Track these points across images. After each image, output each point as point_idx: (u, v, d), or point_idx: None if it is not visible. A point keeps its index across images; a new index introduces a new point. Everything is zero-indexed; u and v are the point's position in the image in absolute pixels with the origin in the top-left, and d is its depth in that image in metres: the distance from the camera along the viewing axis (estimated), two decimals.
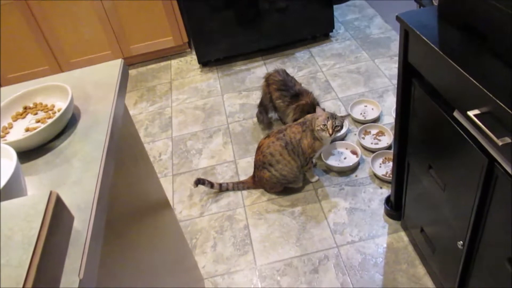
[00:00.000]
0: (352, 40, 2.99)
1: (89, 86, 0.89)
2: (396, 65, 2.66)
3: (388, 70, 2.64)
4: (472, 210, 1.08)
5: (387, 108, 2.33)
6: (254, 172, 1.96)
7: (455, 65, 0.97)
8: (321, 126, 1.79)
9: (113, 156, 0.72)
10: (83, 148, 0.72)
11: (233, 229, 1.85)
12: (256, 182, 1.97)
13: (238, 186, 2.00)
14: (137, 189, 0.99)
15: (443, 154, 1.19)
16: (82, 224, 0.56)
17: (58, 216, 0.38)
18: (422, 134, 1.31)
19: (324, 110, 1.89)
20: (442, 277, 1.41)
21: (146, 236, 0.97)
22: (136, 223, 0.91)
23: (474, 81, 0.91)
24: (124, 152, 0.92)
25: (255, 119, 2.44)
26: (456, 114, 1.09)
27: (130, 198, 0.90)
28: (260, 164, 1.90)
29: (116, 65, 0.94)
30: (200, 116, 2.55)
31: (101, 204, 0.61)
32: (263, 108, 2.30)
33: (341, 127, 1.85)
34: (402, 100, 1.39)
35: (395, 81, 2.53)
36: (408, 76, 1.31)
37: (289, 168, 1.86)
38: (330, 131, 1.78)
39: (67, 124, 0.79)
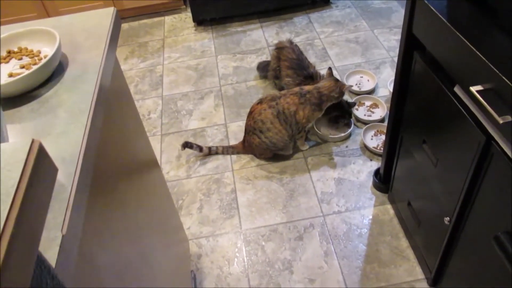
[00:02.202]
0: (352, 8, 2.92)
1: (78, 33, 0.84)
2: (396, 37, 2.61)
3: (387, 41, 2.59)
4: (463, 187, 1.07)
5: (383, 80, 2.30)
6: (245, 137, 1.94)
7: (462, 38, 0.94)
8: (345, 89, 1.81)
9: (102, 108, 0.69)
10: (70, 98, 0.68)
11: (220, 192, 1.84)
12: (246, 147, 1.95)
13: (228, 150, 1.98)
14: (126, 146, 0.95)
15: (439, 129, 1.17)
16: (67, 177, 0.54)
17: (40, 166, 0.35)
18: (419, 108, 1.29)
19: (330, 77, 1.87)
20: (425, 251, 1.43)
21: (132, 194, 0.94)
22: (123, 180, 0.88)
23: (481, 56, 0.88)
24: (113, 106, 0.88)
25: (249, 83, 2.39)
26: (456, 89, 1.06)
27: (118, 155, 0.87)
28: (250, 130, 1.87)
29: (108, 13, 0.89)
30: (192, 76, 2.49)
31: (88, 158, 0.58)
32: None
33: (349, 123, 1.94)
34: (401, 73, 1.36)
35: (393, 53, 2.48)
36: (410, 48, 1.27)
37: (279, 137, 1.83)
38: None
39: (54, 72, 0.74)
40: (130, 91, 2.30)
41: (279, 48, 2.17)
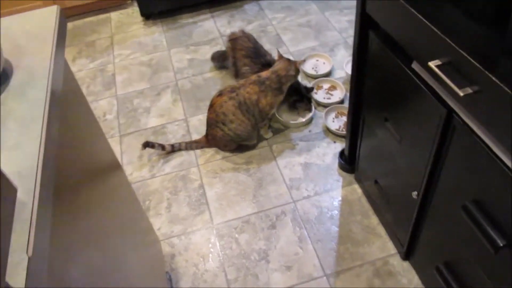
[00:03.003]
0: None
1: (19, 36, 0.77)
2: (346, 18, 2.64)
3: (338, 23, 2.61)
4: (428, 161, 1.10)
5: (338, 62, 2.32)
6: (207, 130, 1.90)
7: (417, 14, 0.95)
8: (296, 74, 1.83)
9: (57, 115, 0.64)
10: (19, 107, 0.62)
11: (187, 189, 1.80)
12: (209, 140, 1.91)
13: (191, 145, 1.94)
14: (85, 151, 0.90)
15: (399, 106, 1.19)
16: (27, 194, 0.49)
17: None
18: (379, 87, 1.31)
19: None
20: (396, 227, 1.46)
21: (97, 201, 0.90)
22: (86, 188, 0.83)
23: (437, 31, 0.89)
24: (68, 110, 0.82)
25: (205, 75, 2.35)
26: (414, 65, 1.08)
27: (78, 161, 0.82)
28: (213, 123, 1.84)
29: (51, 12, 0.82)
30: (146, 73, 2.41)
31: (47, 169, 0.54)
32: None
33: (310, 107, 1.98)
34: (358, 53, 1.37)
35: (345, 35, 2.51)
36: (365, 28, 1.28)
37: (243, 128, 1.81)
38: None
39: None
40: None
41: (233, 39, 2.14)
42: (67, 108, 0.83)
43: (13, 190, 0.33)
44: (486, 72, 0.77)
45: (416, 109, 1.10)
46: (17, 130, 0.58)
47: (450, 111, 0.97)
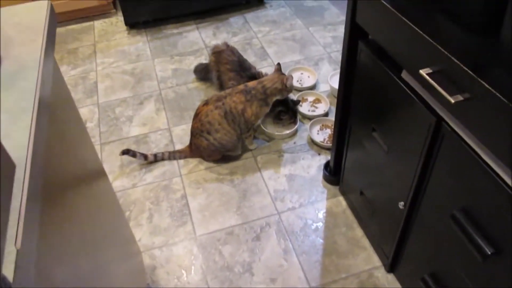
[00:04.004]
0: (286, 8, 2.96)
1: (8, 28, 0.75)
2: (330, 34, 2.68)
3: (323, 38, 2.65)
4: (416, 170, 1.10)
5: (323, 76, 2.35)
6: (191, 140, 1.88)
7: (408, 22, 0.97)
8: (291, 86, 1.84)
9: (46, 107, 0.61)
10: (8, 97, 0.60)
11: (169, 199, 1.77)
12: (193, 150, 1.89)
13: (174, 155, 1.91)
14: (72, 153, 0.87)
15: (388, 116, 1.20)
16: (16, 184, 0.46)
17: None
18: (367, 97, 1.32)
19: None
20: (381, 238, 1.46)
21: (83, 206, 0.86)
22: (72, 191, 0.80)
23: (428, 38, 0.91)
24: (56, 109, 0.80)
25: (190, 85, 2.33)
26: (404, 75, 1.10)
27: (65, 163, 0.79)
28: (197, 132, 1.82)
29: (41, 6, 0.80)
30: (129, 81, 2.39)
31: (37, 160, 0.51)
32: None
33: (296, 119, 1.99)
34: (346, 63, 1.38)
35: (329, 50, 2.55)
36: (354, 38, 1.30)
37: (228, 137, 1.80)
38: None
39: None
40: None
41: (217, 53, 2.14)
42: (55, 107, 0.80)
43: (11, 165, 0.31)
44: (478, 79, 0.79)
45: (405, 119, 1.11)
46: (6, 120, 0.56)
47: (440, 119, 0.98)
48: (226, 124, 1.78)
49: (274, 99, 1.83)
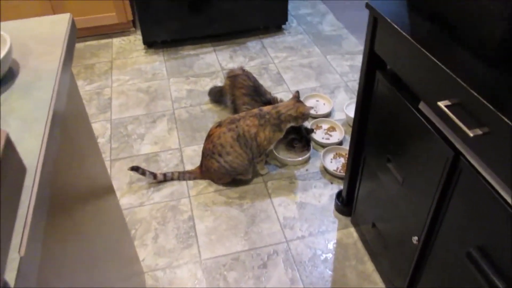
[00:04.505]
0: (304, 35, 3.01)
1: (28, 39, 0.77)
2: (348, 63, 2.71)
3: (340, 67, 2.68)
4: (432, 204, 1.09)
5: (338, 104, 2.35)
6: (202, 161, 1.89)
7: (427, 53, 0.97)
8: (308, 115, 1.86)
9: (60, 118, 0.63)
10: (23, 106, 0.61)
11: (176, 220, 1.76)
12: (203, 172, 1.89)
13: (184, 176, 1.92)
14: (82, 166, 0.88)
15: (404, 148, 1.20)
16: (24, 191, 0.47)
17: (8, 162, 0.30)
18: (383, 127, 1.32)
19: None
20: (393, 274, 1.43)
21: (89, 221, 0.87)
22: (80, 205, 0.81)
23: (447, 70, 0.91)
24: (69, 121, 0.81)
25: (203, 107, 2.36)
26: (421, 106, 1.10)
27: (74, 175, 0.80)
28: (208, 154, 1.83)
29: (63, 19, 0.83)
30: (143, 100, 2.42)
31: (47, 169, 0.52)
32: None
33: (309, 147, 1.99)
34: (363, 92, 1.39)
35: (346, 78, 2.57)
36: (372, 68, 1.30)
37: (239, 161, 1.80)
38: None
39: (2, 78, 0.67)
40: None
41: (232, 77, 2.17)
42: (69, 120, 0.82)
43: (22, 168, 0.32)
44: (498, 113, 0.78)
45: (422, 151, 1.10)
46: (19, 128, 0.57)
47: (457, 153, 0.97)
48: (238, 147, 1.78)
49: (288, 125, 1.84)
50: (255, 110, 1.84)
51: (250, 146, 1.80)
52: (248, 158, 1.81)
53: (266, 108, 1.84)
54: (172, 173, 1.92)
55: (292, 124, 1.83)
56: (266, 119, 1.79)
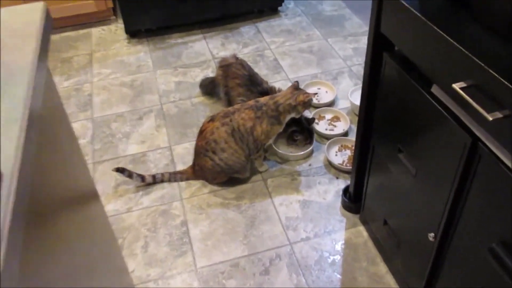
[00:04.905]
0: (303, 17, 3.00)
1: None
2: (351, 46, 2.71)
3: (342, 50, 2.67)
4: (449, 197, 1.09)
5: (342, 91, 2.35)
6: (194, 160, 1.89)
7: (439, 31, 0.97)
8: (309, 104, 1.85)
9: (37, 118, 0.62)
10: None
11: (168, 226, 1.76)
12: (196, 171, 1.89)
13: (175, 177, 1.91)
14: (63, 170, 0.88)
15: (416, 136, 1.20)
16: None
17: None
18: (392, 114, 1.32)
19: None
20: (408, 275, 1.43)
21: (71, 229, 0.86)
22: (60, 211, 0.80)
23: (461, 48, 0.91)
24: (47, 122, 0.81)
25: (194, 100, 2.35)
26: (434, 89, 1.09)
27: (55, 180, 0.80)
28: (201, 151, 1.82)
29: (36, 9, 0.82)
30: (128, 95, 2.42)
31: (24, 174, 0.51)
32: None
33: (311, 139, 1.99)
34: (369, 77, 1.39)
35: (350, 63, 2.56)
36: (379, 49, 1.30)
37: (235, 158, 1.80)
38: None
39: None
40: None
41: (225, 66, 2.16)
42: (46, 120, 0.81)
43: None
44: None
45: (436, 138, 1.10)
46: None
47: (475, 139, 0.97)
48: (233, 143, 1.78)
49: (288, 117, 1.83)
50: (251, 102, 1.83)
51: (246, 142, 1.79)
52: (244, 154, 1.81)
53: (263, 99, 1.84)
54: (162, 174, 1.91)
55: (293, 115, 1.83)
56: (263, 111, 1.79)
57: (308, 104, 1.83)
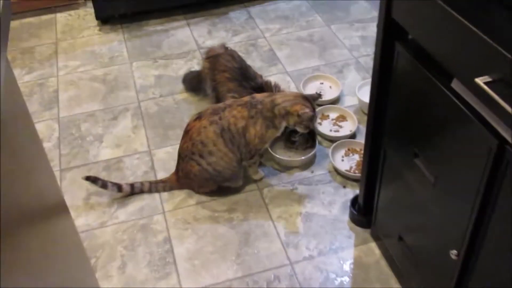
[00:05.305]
0: (302, 0, 3.01)
1: None
2: (358, 34, 2.73)
3: (348, 39, 2.69)
4: (473, 208, 1.10)
5: (348, 86, 2.37)
6: (178, 165, 1.89)
7: (460, 17, 0.98)
8: (307, 122, 1.79)
9: None
10: None
11: (148, 243, 1.76)
12: (180, 179, 1.89)
13: (157, 186, 1.92)
14: (25, 179, 0.88)
15: (434, 138, 1.21)
16: None
17: None
18: (406, 114, 1.33)
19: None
20: None
21: (36, 247, 0.86)
22: (23, 227, 0.80)
23: (486, 38, 0.92)
24: (6, 123, 0.80)
25: (177, 97, 2.36)
26: (454, 84, 1.10)
27: (16, 192, 0.80)
28: (187, 154, 1.83)
29: None
30: (100, 91, 2.42)
31: None
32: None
33: (314, 142, 1.97)
34: (380, 70, 1.40)
35: (357, 53, 2.58)
36: (390, 38, 1.31)
37: (225, 163, 1.80)
38: (313, 124, 1.83)
39: None
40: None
41: (212, 57, 2.17)
42: (5, 123, 0.81)
43: None
44: None
45: (457, 141, 1.11)
46: None
47: (502, 142, 0.98)
48: (223, 145, 1.78)
49: (284, 124, 1.79)
50: (246, 98, 1.83)
51: (237, 144, 1.79)
52: (236, 159, 1.81)
53: (259, 96, 1.84)
54: (142, 183, 1.91)
55: (284, 123, 1.79)
56: (257, 109, 1.78)
57: (303, 120, 1.76)
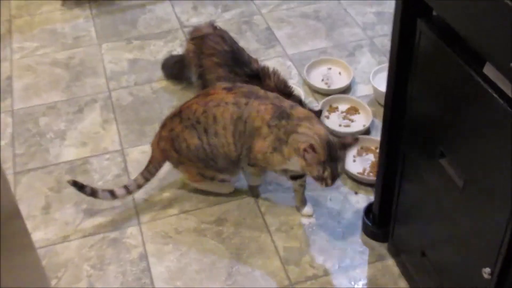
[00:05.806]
0: None
1: None
2: (373, 10, 2.74)
3: (361, 16, 2.70)
4: (510, 218, 1.10)
5: (361, 72, 2.38)
6: (165, 130, 1.85)
7: None
8: (316, 173, 1.66)
9: None
10: None
11: (121, 261, 1.77)
12: (162, 147, 1.86)
13: (149, 171, 1.89)
14: None
15: (463, 134, 1.21)
16: None
17: None
18: (430, 104, 1.33)
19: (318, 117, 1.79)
20: None
21: None
22: None
23: None
24: None
25: (155, 85, 2.38)
26: (486, 70, 1.11)
27: None
28: (191, 118, 1.79)
29: None
30: (62, 78, 2.43)
31: None
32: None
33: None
34: (398, 52, 1.40)
35: (371, 33, 2.59)
36: (411, 15, 1.32)
37: (223, 152, 1.77)
38: (329, 182, 1.66)
39: None
40: None
41: (198, 38, 2.16)
42: None
43: None
44: None
45: (490, 137, 1.12)
46: None
47: None
48: (230, 134, 1.75)
49: (294, 158, 1.69)
50: (286, 103, 1.76)
51: (242, 142, 1.76)
52: (235, 155, 1.79)
53: (297, 112, 1.73)
54: (135, 179, 1.89)
55: (295, 158, 1.69)
56: (279, 123, 1.70)
57: (305, 154, 1.63)
